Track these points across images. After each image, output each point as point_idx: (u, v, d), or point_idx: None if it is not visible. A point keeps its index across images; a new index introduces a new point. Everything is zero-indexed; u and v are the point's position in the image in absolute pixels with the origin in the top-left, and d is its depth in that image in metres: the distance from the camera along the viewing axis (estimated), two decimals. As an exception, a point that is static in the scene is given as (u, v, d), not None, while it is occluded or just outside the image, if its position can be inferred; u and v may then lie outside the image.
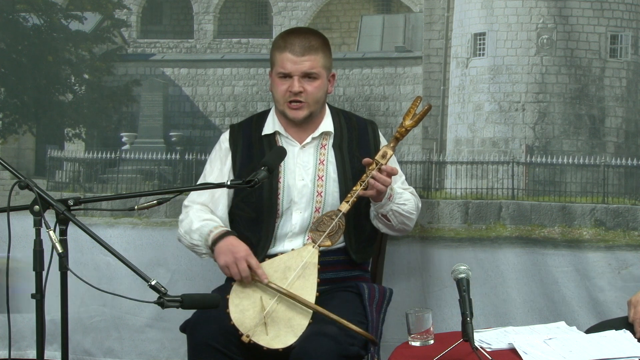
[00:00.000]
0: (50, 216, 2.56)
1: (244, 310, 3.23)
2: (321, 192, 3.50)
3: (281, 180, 3.49)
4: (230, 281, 3.37)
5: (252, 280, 3.27)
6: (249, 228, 3.50)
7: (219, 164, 3.59)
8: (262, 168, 3.03)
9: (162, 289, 2.50)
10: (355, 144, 3.57)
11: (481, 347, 2.80)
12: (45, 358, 2.61)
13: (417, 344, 3.00)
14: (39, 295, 2.56)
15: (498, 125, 4.25)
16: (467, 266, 2.90)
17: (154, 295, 2.50)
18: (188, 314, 3.29)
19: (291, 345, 3.17)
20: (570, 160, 4.20)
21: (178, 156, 4.50)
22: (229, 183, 3.06)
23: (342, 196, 3.44)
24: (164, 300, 2.49)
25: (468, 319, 2.77)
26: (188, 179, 4.42)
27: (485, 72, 4.24)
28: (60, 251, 2.50)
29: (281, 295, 3.22)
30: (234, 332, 3.20)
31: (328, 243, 3.35)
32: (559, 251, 4.19)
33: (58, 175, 4.57)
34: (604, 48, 4.19)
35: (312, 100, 3.46)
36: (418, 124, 3.43)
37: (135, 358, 4.47)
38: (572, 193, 4.21)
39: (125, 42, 4.54)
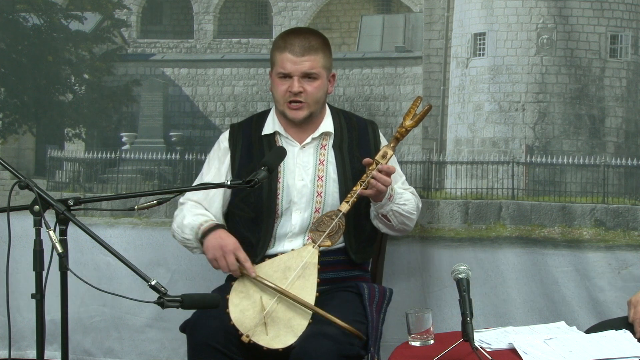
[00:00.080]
0: (50, 216, 2.56)
1: (244, 310, 3.23)
2: (321, 192, 3.50)
3: (280, 180, 3.49)
4: (230, 281, 3.37)
5: (241, 273, 3.27)
6: (248, 228, 3.50)
7: (217, 163, 3.59)
8: (262, 168, 3.03)
9: (162, 289, 2.50)
10: (356, 144, 3.56)
11: (481, 347, 2.79)
12: (45, 358, 2.60)
13: (417, 344, 3.00)
14: (39, 295, 2.56)
15: (498, 125, 4.25)
16: (467, 266, 2.90)
17: (154, 295, 2.50)
18: (188, 314, 3.29)
19: (291, 345, 3.17)
20: (570, 160, 4.20)
21: (178, 156, 4.49)
22: (228, 183, 3.06)
23: (342, 196, 3.44)
24: (164, 300, 2.48)
25: (468, 319, 2.77)
26: (188, 179, 4.41)
27: (485, 72, 4.23)
28: (60, 251, 2.50)
29: (281, 296, 3.22)
30: (234, 332, 3.20)
31: (328, 243, 3.35)
32: (559, 251, 4.18)
33: (58, 175, 4.56)
34: (604, 48, 4.18)
35: (312, 101, 3.46)
36: (418, 124, 3.44)
37: (135, 358, 4.47)
38: (572, 193, 4.20)
39: (125, 42, 4.53)
